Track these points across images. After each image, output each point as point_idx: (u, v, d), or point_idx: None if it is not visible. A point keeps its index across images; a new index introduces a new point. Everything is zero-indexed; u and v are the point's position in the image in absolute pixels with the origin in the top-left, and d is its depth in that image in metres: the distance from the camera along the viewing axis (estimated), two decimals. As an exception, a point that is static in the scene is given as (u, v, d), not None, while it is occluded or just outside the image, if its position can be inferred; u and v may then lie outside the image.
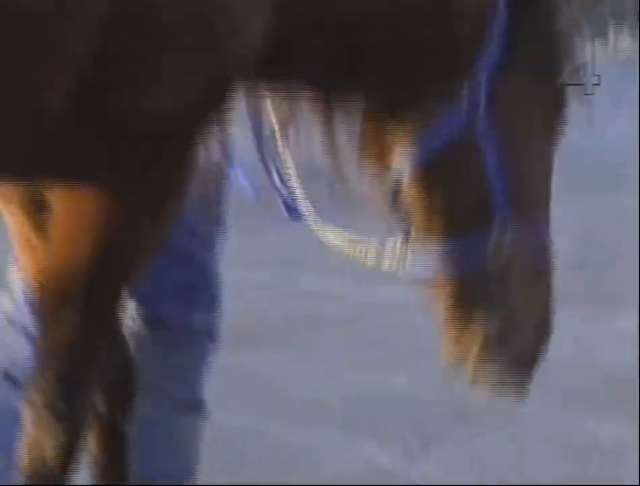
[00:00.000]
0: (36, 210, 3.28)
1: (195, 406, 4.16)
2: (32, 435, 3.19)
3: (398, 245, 3.12)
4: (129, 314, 3.70)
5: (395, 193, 3.09)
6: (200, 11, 2.89)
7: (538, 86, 3.15)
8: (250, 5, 2.87)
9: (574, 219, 9.53)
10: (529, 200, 3.14)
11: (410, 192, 3.09)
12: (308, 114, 3.18)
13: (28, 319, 3.47)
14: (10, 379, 3.67)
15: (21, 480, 3.23)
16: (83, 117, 2.87)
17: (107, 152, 2.94)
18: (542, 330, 3.11)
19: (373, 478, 5.27)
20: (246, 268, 8.38)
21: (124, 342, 3.56)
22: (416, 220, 3.10)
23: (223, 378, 4.54)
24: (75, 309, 3.12)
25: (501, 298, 3.06)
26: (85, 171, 3.03)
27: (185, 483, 4.17)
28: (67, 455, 3.21)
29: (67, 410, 3.15)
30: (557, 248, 3.05)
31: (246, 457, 5.36)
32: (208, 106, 3.03)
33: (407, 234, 3.09)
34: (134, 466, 3.66)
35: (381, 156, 3.16)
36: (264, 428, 5.74)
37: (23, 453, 3.21)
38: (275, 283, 8.84)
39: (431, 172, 3.09)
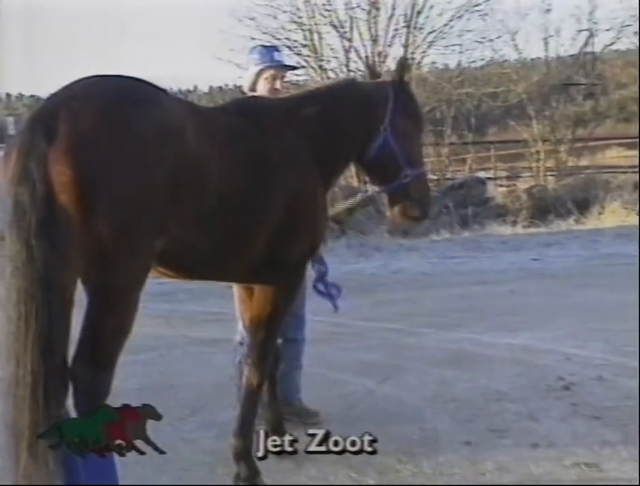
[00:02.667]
0: (248, 290, 3.99)
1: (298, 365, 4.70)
2: (247, 375, 3.80)
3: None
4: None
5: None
6: None
7: (409, 118, 4.05)
8: None
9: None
10: (418, 161, 4.07)
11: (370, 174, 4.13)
12: None
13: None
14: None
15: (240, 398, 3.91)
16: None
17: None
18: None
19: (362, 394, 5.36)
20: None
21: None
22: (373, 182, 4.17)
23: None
24: (263, 331, 3.76)
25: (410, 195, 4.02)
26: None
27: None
28: (262, 384, 3.85)
29: (261, 366, 3.77)
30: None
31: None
32: None
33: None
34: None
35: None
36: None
37: (241, 383, 3.88)
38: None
39: (378, 162, 4.00)
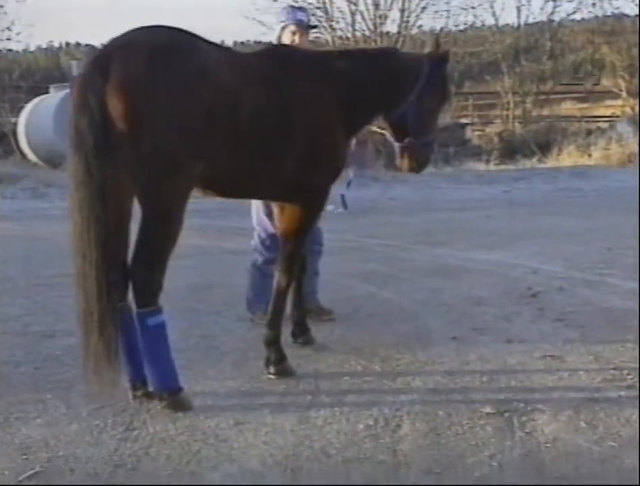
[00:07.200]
0: (281, 207, 3.71)
1: (316, 272, 4.58)
2: (277, 278, 3.65)
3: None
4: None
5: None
6: None
7: (436, 95, 3.74)
8: None
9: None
10: (426, 132, 3.76)
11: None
12: None
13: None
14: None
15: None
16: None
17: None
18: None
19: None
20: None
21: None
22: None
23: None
24: (292, 243, 3.59)
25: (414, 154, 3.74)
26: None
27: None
28: (289, 286, 3.69)
29: (289, 272, 3.63)
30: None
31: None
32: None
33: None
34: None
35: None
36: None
37: (274, 284, 3.68)
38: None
39: (396, 125, 3.75)
